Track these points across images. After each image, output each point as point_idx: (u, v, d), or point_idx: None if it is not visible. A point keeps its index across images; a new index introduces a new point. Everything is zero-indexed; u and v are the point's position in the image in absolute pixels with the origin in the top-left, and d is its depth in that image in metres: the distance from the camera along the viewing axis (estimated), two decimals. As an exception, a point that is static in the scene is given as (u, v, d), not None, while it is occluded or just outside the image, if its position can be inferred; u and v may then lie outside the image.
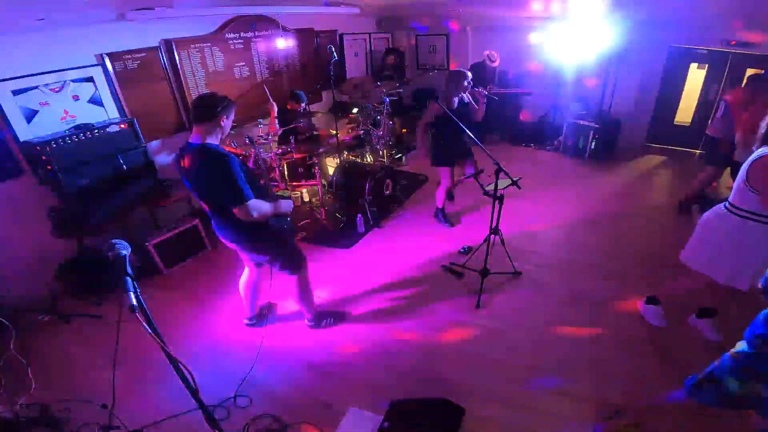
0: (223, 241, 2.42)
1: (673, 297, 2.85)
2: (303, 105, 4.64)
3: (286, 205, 2.37)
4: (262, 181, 2.42)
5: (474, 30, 6.99)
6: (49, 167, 2.99)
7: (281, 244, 2.43)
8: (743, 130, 3.18)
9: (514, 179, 2.91)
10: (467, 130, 3.02)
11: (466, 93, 3.68)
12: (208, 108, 2.05)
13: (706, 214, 2.36)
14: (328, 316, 2.95)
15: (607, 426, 2.07)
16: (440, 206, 4.25)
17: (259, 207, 2.11)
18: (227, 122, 2.13)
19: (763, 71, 5.46)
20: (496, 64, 6.07)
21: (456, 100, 3.60)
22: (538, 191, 4.87)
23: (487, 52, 6.13)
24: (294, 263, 2.56)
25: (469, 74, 3.56)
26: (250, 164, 2.45)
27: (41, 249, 3.28)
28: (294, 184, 4.49)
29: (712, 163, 4.19)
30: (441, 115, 3.49)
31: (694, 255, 2.42)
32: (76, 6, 2.86)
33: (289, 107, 4.65)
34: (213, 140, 2.10)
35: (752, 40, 5.21)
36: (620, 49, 5.53)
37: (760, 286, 1.47)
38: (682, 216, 4.31)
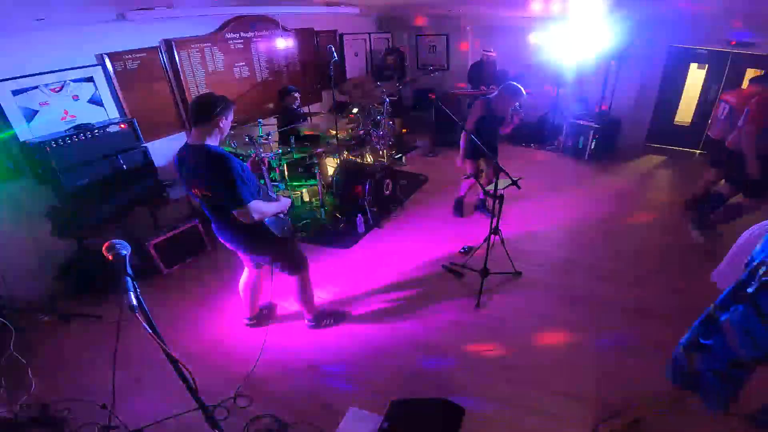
0: (223, 242, 2.41)
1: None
2: (297, 97, 4.62)
3: (284, 203, 2.37)
4: (262, 181, 2.41)
5: (474, 30, 7.00)
6: (49, 167, 2.99)
7: (281, 246, 2.42)
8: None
9: (514, 179, 2.91)
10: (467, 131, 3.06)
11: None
12: (206, 109, 2.03)
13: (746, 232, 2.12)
14: (328, 316, 2.95)
15: (608, 426, 2.07)
16: (460, 195, 4.43)
17: (259, 208, 2.09)
18: (226, 123, 2.11)
19: (763, 72, 5.47)
20: (493, 54, 6.16)
21: (510, 110, 3.73)
22: (538, 191, 4.87)
23: (484, 50, 6.23)
24: (294, 264, 2.55)
25: (524, 92, 3.63)
26: (248, 164, 2.44)
27: (41, 249, 3.28)
28: (294, 184, 4.49)
29: (716, 165, 4.18)
30: (480, 117, 3.69)
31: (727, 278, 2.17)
32: (76, 6, 2.86)
33: (287, 103, 4.64)
34: (212, 141, 2.08)
35: (752, 39, 5.22)
36: (620, 49, 5.54)
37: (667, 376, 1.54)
38: (684, 216, 4.31)
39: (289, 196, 4.29)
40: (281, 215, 2.38)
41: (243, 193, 2.00)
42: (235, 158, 2.07)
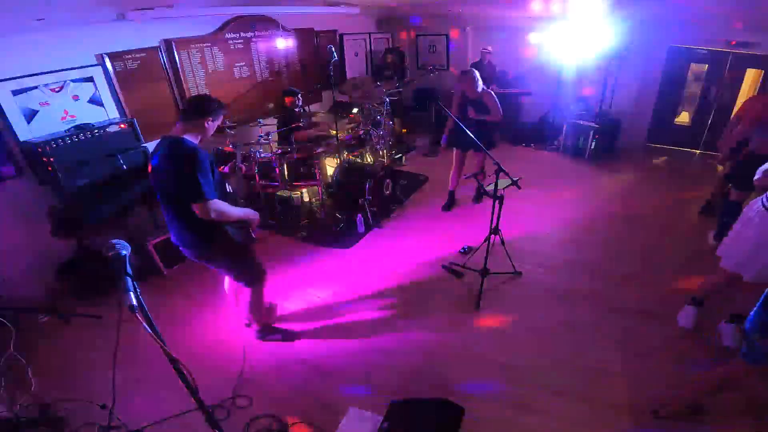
0: (177, 244, 2.30)
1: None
2: (298, 100, 4.64)
3: (250, 213, 2.29)
4: (229, 189, 2.32)
5: (474, 30, 7.00)
6: (49, 167, 2.99)
7: (237, 255, 2.35)
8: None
9: (514, 179, 2.92)
10: (465, 127, 3.16)
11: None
12: (199, 107, 2.07)
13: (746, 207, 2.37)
14: (277, 332, 2.83)
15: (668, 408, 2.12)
16: (450, 189, 4.62)
17: (219, 208, 2.04)
18: (212, 125, 2.12)
19: (763, 72, 5.47)
20: (489, 50, 6.22)
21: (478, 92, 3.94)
22: (539, 191, 4.87)
23: (482, 49, 6.29)
24: (250, 276, 2.47)
25: (473, 73, 3.91)
26: (226, 169, 2.43)
27: (41, 249, 3.28)
28: (294, 184, 4.50)
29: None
30: (459, 104, 4.05)
31: (727, 249, 2.43)
32: (76, 6, 2.86)
33: (288, 104, 4.66)
34: (191, 138, 2.08)
35: (752, 39, 5.21)
36: (620, 49, 5.54)
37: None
38: (684, 217, 4.31)
39: (291, 193, 4.23)
40: (243, 226, 2.29)
41: (203, 188, 1.97)
42: (205, 154, 2.05)
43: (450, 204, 4.63)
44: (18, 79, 3.01)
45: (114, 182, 3.34)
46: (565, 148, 6.28)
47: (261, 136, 4.20)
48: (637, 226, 4.18)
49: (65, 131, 3.17)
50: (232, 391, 2.40)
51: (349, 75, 6.58)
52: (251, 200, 4.61)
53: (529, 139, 6.77)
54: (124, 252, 1.29)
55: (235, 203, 2.27)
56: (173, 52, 3.99)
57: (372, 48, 7.05)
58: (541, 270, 3.46)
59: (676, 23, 5.41)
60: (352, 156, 5.02)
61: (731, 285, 2.50)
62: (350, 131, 5.00)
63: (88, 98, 3.46)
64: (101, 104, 3.56)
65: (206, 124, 2.09)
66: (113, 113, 3.64)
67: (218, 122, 2.16)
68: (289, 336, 2.85)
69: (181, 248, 2.32)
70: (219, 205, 2.05)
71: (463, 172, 4.39)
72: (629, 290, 3.18)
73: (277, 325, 2.92)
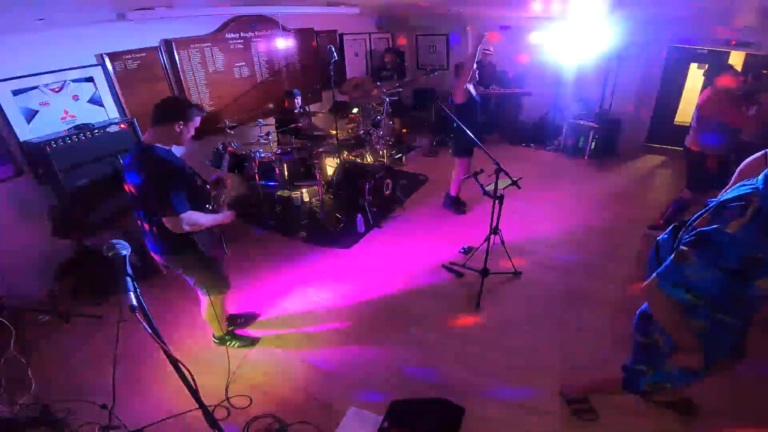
0: (151, 250, 2.26)
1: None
2: (298, 101, 4.65)
3: (222, 216, 2.25)
4: (209, 206, 2.27)
5: (474, 30, 6.99)
6: (49, 167, 2.99)
7: (203, 263, 2.27)
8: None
9: (514, 179, 2.92)
10: (462, 125, 3.21)
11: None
12: (166, 110, 1.96)
13: None
14: (236, 338, 2.80)
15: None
16: (453, 195, 4.51)
17: (192, 220, 1.99)
18: (185, 129, 2.01)
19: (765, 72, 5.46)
20: (490, 53, 6.20)
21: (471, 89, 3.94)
22: (538, 191, 4.87)
23: (483, 49, 6.26)
24: (209, 286, 2.35)
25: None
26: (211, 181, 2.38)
27: (41, 249, 3.28)
28: (294, 184, 4.49)
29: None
30: (464, 104, 3.94)
31: None
32: (76, 6, 2.86)
33: (286, 105, 4.67)
34: (164, 145, 2.00)
35: (752, 39, 5.21)
36: (620, 49, 5.54)
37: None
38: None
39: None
40: (215, 230, 2.26)
41: (176, 203, 1.90)
42: (179, 167, 1.99)
43: (459, 207, 4.58)
44: (18, 79, 3.01)
45: (114, 182, 3.34)
46: (564, 148, 6.28)
47: (261, 136, 4.20)
48: (636, 226, 4.18)
49: (65, 131, 3.17)
50: (224, 390, 2.39)
51: (349, 75, 6.57)
52: (248, 199, 4.62)
53: (529, 139, 6.77)
54: (124, 252, 1.29)
55: (206, 210, 2.21)
56: (173, 52, 3.99)
57: (372, 48, 7.05)
58: (541, 270, 3.46)
59: (676, 23, 5.40)
60: (352, 156, 5.02)
61: None
62: (350, 131, 5.00)
63: (88, 98, 3.46)
64: (101, 104, 3.56)
65: (177, 129, 1.97)
66: (113, 113, 3.64)
67: (194, 126, 2.05)
68: (249, 342, 2.81)
69: (153, 255, 2.26)
70: (191, 217, 1.98)
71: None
72: (630, 290, 3.18)
73: (239, 331, 2.88)
